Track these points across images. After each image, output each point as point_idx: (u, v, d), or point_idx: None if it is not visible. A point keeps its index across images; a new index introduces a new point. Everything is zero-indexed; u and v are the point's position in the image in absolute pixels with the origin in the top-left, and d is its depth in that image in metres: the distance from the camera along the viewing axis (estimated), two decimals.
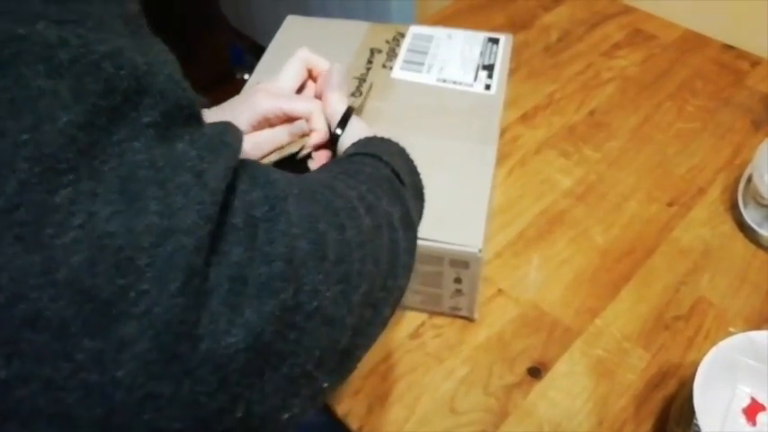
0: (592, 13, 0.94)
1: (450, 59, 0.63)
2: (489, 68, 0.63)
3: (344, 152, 0.40)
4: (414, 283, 0.52)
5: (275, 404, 0.22)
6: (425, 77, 0.61)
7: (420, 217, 0.40)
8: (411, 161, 0.40)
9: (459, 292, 0.51)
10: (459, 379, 0.52)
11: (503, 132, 0.75)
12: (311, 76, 0.48)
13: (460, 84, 0.60)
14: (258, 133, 0.43)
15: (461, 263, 0.47)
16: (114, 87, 0.18)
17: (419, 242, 0.43)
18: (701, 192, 0.68)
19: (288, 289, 0.21)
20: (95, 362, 0.17)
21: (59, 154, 0.17)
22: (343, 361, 0.26)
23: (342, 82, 0.45)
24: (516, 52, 0.87)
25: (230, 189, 0.21)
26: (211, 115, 0.45)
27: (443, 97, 0.59)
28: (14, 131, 0.16)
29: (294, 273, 0.22)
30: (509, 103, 0.78)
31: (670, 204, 0.67)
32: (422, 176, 0.40)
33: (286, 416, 0.22)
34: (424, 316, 0.57)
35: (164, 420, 0.18)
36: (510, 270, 0.61)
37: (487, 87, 0.60)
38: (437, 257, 0.48)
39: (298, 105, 0.43)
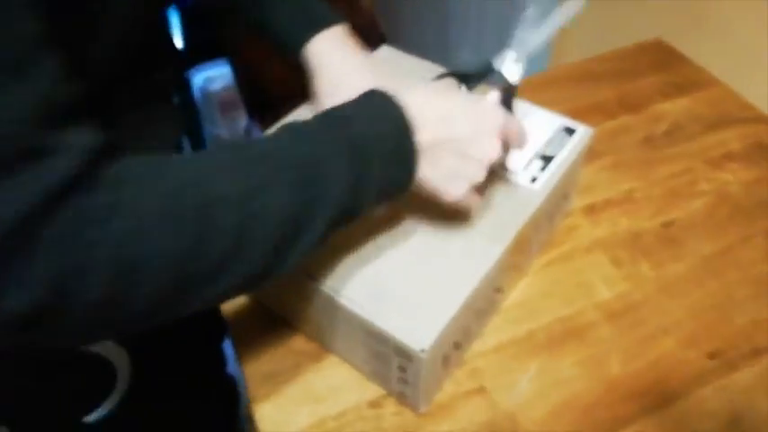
0: (716, 112, 0.84)
1: None
2: (547, 160, 0.59)
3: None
4: (367, 353, 0.51)
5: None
6: None
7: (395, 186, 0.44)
8: (399, 123, 0.42)
9: (404, 380, 0.49)
10: None
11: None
12: None
13: (506, 170, 0.58)
14: None
15: (405, 354, 0.46)
16: None
17: (365, 316, 0.46)
18: (756, 354, 0.59)
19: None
20: None
21: None
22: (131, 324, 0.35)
23: None
24: (610, 135, 0.81)
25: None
26: None
27: None
28: None
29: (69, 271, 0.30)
30: (579, 190, 0.73)
31: (711, 356, 0.59)
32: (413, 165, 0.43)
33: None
34: None
35: None
36: (502, 370, 0.58)
37: (533, 180, 0.57)
38: (383, 339, 0.46)
39: None
